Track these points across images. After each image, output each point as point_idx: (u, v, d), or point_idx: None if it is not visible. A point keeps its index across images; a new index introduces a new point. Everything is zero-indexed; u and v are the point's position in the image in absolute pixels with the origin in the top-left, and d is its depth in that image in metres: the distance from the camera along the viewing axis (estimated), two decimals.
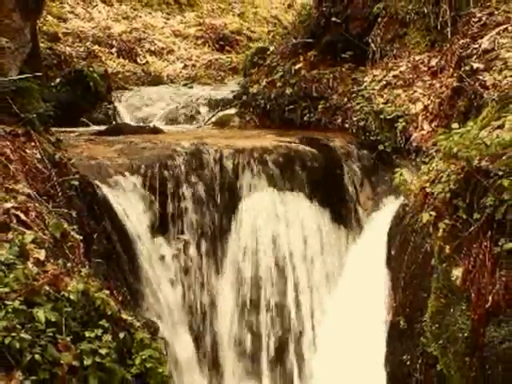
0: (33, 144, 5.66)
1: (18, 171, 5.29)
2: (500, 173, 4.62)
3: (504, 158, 4.65)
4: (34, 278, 4.37)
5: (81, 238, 5.29)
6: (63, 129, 8.31)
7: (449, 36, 7.80)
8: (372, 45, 8.64)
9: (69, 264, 4.78)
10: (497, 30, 6.65)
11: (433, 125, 7.14)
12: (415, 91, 7.65)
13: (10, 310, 4.11)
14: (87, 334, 4.38)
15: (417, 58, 8.06)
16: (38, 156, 5.61)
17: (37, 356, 4.05)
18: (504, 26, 6.58)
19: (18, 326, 4.06)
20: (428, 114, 7.31)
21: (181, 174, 6.80)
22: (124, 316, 4.73)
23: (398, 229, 6.27)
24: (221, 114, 10.56)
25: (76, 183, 5.84)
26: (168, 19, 17.49)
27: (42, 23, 13.10)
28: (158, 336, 5.60)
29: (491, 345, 4.65)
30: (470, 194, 4.84)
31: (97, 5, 16.66)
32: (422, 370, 5.59)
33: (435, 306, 5.18)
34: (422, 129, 7.25)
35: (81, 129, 9.77)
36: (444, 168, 5.10)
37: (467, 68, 6.59)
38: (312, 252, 6.91)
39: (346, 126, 8.27)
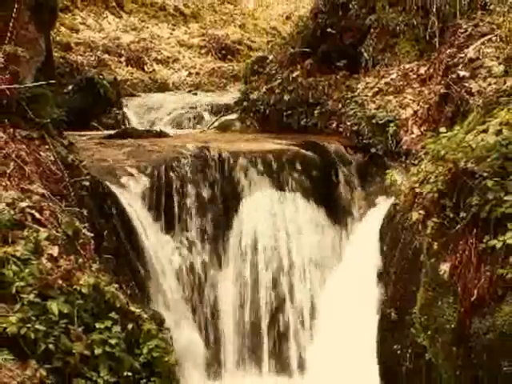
0: (47, 147, 5.66)
1: (32, 172, 5.29)
2: (485, 174, 4.62)
3: (488, 160, 4.65)
4: (48, 272, 4.38)
5: (92, 235, 5.29)
6: (75, 133, 8.31)
7: (437, 46, 7.81)
8: (365, 54, 8.64)
9: (80, 260, 4.78)
10: (481, 40, 6.65)
11: (422, 129, 7.14)
12: (405, 97, 7.65)
13: (25, 302, 4.12)
14: (98, 325, 4.39)
15: (407, 66, 8.06)
16: (52, 158, 5.61)
17: (50, 346, 4.06)
18: (488, 37, 6.58)
19: (32, 317, 4.08)
20: (417, 119, 7.31)
21: (186, 175, 6.79)
22: (132, 308, 4.73)
23: (389, 226, 6.27)
24: (223, 118, 10.57)
25: (87, 184, 5.85)
26: (173, 30, 17.50)
27: (56, 34, 13.10)
28: (164, 327, 5.61)
29: (476, 335, 4.65)
30: (457, 194, 4.84)
31: (107, 16, 16.67)
32: (411, 358, 5.60)
33: (424, 299, 5.18)
34: (412, 133, 7.25)
35: (92, 133, 9.76)
36: (432, 169, 5.09)
37: (454, 76, 6.60)
38: (309, 248, 6.91)
39: (341, 130, 8.27)
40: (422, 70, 7.79)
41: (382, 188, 6.98)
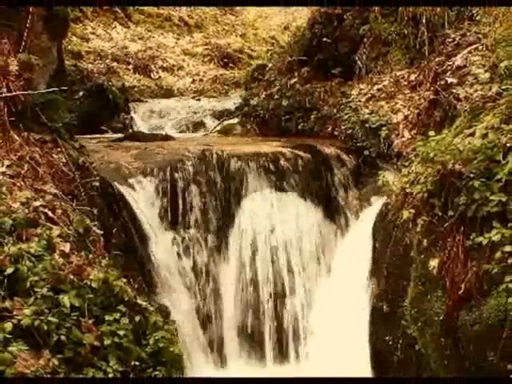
0: (59, 149, 5.67)
1: (45, 173, 5.29)
2: (471, 175, 4.62)
3: (475, 161, 4.65)
4: (60, 268, 4.38)
5: (101, 232, 5.29)
6: (85, 136, 8.31)
7: (426, 54, 7.80)
8: (358, 62, 8.64)
9: (91, 256, 4.79)
10: (469, 48, 6.64)
11: (412, 132, 7.13)
12: (396, 103, 7.65)
13: (38, 296, 4.12)
14: (107, 317, 4.39)
15: (398, 73, 8.05)
16: (64, 160, 5.62)
17: (62, 337, 4.06)
18: (475, 46, 6.57)
19: (45, 310, 4.08)
20: (408, 123, 7.31)
21: (189, 176, 6.79)
22: (139, 301, 4.74)
23: (382, 224, 6.27)
24: (225, 123, 10.58)
25: (97, 184, 5.86)
26: (178, 39, 17.48)
27: (67, 43, 13.09)
28: (170, 319, 5.60)
29: (464, 327, 4.66)
30: (445, 194, 4.84)
31: (115, 27, 16.65)
32: (402, 349, 5.60)
33: (414, 293, 5.18)
34: (403, 136, 7.25)
35: (101, 136, 9.76)
36: (422, 171, 5.10)
37: (442, 82, 6.59)
38: (306, 245, 6.91)
39: (336, 133, 8.26)
40: (413, 77, 7.78)
41: (374, 188, 6.97)
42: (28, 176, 5.13)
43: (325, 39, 9.03)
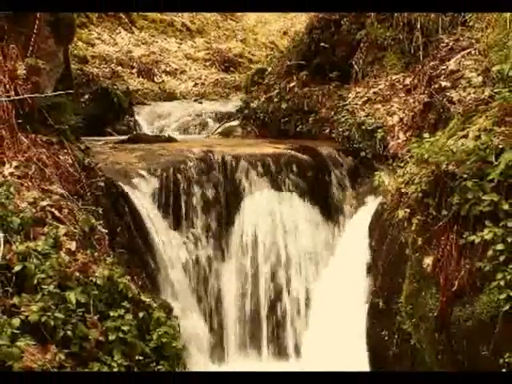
0: (65, 151, 5.67)
1: (52, 174, 5.29)
2: (464, 175, 4.63)
3: (468, 162, 4.65)
4: (67, 265, 4.38)
5: (106, 231, 5.29)
6: (91, 138, 8.30)
7: (421, 58, 7.80)
8: (355, 66, 8.64)
9: (96, 254, 4.79)
10: (462, 53, 6.65)
11: (407, 134, 7.14)
12: (392, 106, 7.65)
13: (45, 292, 4.12)
14: (112, 313, 4.39)
15: (393, 77, 8.05)
16: (70, 161, 5.62)
17: (68, 332, 4.06)
18: (468, 50, 6.58)
19: (52, 306, 4.08)
20: (403, 126, 7.31)
21: (192, 177, 6.80)
22: (143, 298, 4.74)
23: (378, 223, 6.28)
24: (226, 125, 10.57)
25: (102, 184, 5.86)
26: (181, 44, 17.48)
27: (73, 47, 13.07)
28: (172, 315, 5.60)
29: (457, 323, 4.66)
30: (439, 194, 4.85)
31: (120, 32, 16.65)
32: (397, 344, 5.60)
33: (409, 290, 5.19)
34: (398, 138, 7.25)
35: (106, 138, 9.75)
36: (416, 171, 5.10)
37: (436, 86, 6.60)
38: (304, 243, 6.91)
39: (333, 135, 8.27)
40: (408, 81, 7.78)
41: (370, 188, 6.97)
42: (35, 176, 5.13)
43: (322, 44, 9.05)
